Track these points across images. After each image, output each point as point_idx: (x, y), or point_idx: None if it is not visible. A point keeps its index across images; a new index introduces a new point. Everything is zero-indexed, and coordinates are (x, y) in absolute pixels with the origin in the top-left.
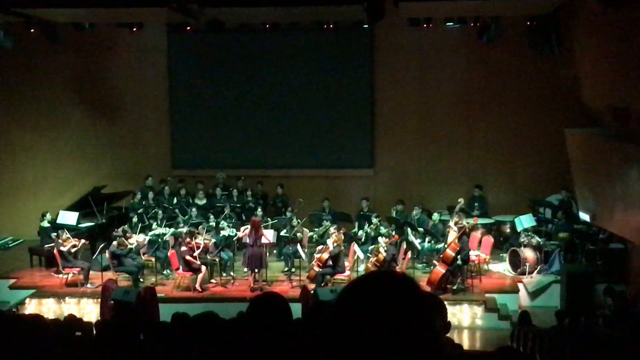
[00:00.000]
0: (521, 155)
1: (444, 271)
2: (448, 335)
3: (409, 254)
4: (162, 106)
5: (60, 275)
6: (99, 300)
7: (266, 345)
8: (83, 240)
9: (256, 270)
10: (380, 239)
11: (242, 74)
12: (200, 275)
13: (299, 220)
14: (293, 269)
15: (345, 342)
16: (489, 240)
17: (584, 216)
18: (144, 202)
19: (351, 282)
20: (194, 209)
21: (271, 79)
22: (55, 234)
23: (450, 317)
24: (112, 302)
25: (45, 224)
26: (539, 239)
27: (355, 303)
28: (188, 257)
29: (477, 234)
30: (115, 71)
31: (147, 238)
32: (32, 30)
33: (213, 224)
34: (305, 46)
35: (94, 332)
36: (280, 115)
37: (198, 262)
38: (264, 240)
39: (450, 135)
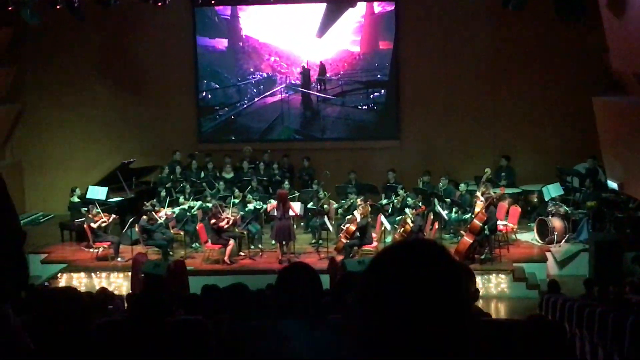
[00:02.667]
0: (548, 124)
1: (471, 241)
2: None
3: (436, 225)
4: (188, 81)
5: (91, 250)
6: (130, 273)
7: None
8: (113, 215)
9: (284, 243)
10: (407, 210)
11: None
12: (228, 248)
13: (325, 193)
14: (320, 241)
15: (377, 312)
16: (517, 209)
17: (612, 184)
18: (171, 177)
19: (381, 251)
20: (221, 183)
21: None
22: (86, 209)
23: (478, 286)
24: (142, 275)
25: (75, 199)
26: (567, 208)
27: (386, 272)
28: (220, 224)
29: (504, 204)
30: (141, 47)
31: (176, 212)
32: (57, 7)
33: (240, 197)
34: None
35: (126, 305)
36: (307, 87)
37: (227, 234)
38: (291, 212)
39: (477, 104)
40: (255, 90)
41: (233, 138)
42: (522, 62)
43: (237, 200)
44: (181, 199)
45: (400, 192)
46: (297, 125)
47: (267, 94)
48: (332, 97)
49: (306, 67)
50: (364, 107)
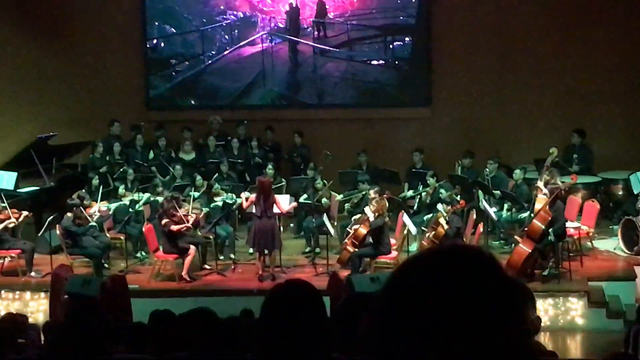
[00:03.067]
0: (639, 89)
1: (529, 250)
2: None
3: (481, 227)
4: (132, 24)
5: None
6: (48, 294)
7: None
8: (24, 212)
9: (266, 252)
10: (440, 206)
11: None
12: (188, 259)
13: (325, 181)
14: (318, 249)
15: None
16: (594, 206)
17: None
18: (107, 158)
19: (403, 263)
20: (177, 167)
21: None
22: None
23: (539, 313)
24: (66, 296)
25: None
26: None
27: (410, 293)
28: (173, 228)
29: (576, 198)
30: None
31: (113, 207)
32: None
33: (204, 187)
34: None
35: (43, 337)
36: (299, 33)
37: (186, 228)
38: (275, 209)
39: (539, 59)
40: (226, 37)
41: (193, 102)
42: (603, 4)
43: (199, 192)
44: (121, 190)
45: (431, 180)
46: (285, 88)
47: (243, 42)
48: (334, 48)
49: (295, 4)
50: (380, 63)
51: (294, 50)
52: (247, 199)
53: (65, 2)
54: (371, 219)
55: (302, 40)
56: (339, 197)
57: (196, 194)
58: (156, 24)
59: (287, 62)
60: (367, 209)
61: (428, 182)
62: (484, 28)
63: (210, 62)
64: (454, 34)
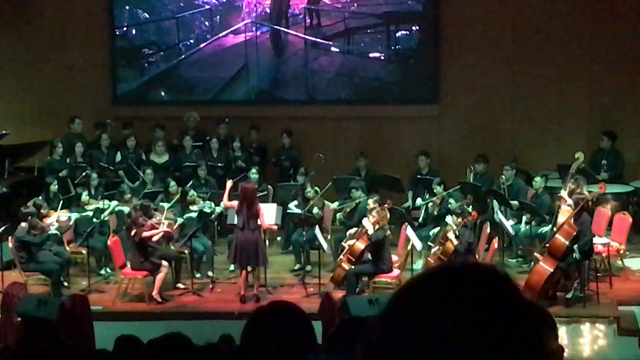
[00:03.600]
0: None
1: (551, 270)
2: None
3: (496, 242)
4: (98, 7)
5: None
6: None
7: None
8: None
9: (249, 269)
10: (448, 218)
11: None
12: (159, 277)
13: (317, 189)
14: (308, 267)
15: None
16: (625, 219)
17: None
18: (68, 160)
19: (406, 283)
20: (148, 170)
21: None
22: None
23: (562, 341)
24: (19, 319)
25: None
26: None
27: (415, 317)
28: (147, 233)
29: (605, 210)
30: None
31: (74, 217)
32: None
33: (178, 193)
34: None
35: None
36: (287, 20)
37: (158, 255)
38: (260, 220)
39: (562, 51)
40: (207, 23)
41: (163, 94)
42: None
43: (173, 200)
44: (84, 197)
45: (438, 189)
46: (271, 83)
47: (225, 32)
48: (327, 42)
49: None
50: (381, 56)
51: (280, 41)
52: (228, 205)
53: None
54: (370, 232)
55: (288, 31)
56: (334, 205)
57: (169, 203)
58: (127, 8)
59: (274, 54)
60: (365, 221)
61: (435, 190)
62: (498, 15)
63: (188, 52)
64: (465, 23)
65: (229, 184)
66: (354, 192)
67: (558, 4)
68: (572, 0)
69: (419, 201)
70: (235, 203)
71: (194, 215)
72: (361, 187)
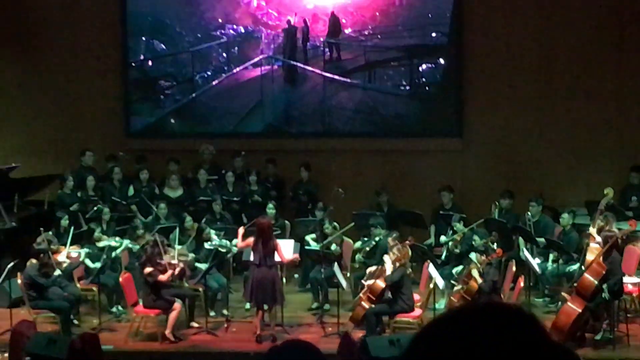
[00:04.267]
0: None
1: (580, 310)
2: None
3: (522, 281)
4: (112, 39)
5: None
6: (6, 355)
7: None
8: None
9: (265, 307)
10: (472, 255)
11: None
12: (173, 315)
13: (336, 224)
14: (327, 305)
15: None
16: None
17: None
18: (79, 194)
19: (429, 324)
20: (161, 205)
21: None
22: None
23: None
24: (27, 358)
25: None
26: None
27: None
28: (162, 278)
29: (636, 248)
30: None
31: (84, 253)
32: None
33: (194, 229)
34: None
35: None
36: (306, 53)
37: (171, 292)
38: (277, 257)
39: (589, 84)
40: (224, 54)
41: (173, 122)
42: None
43: (187, 236)
44: (97, 233)
45: (458, 226)
46: (287, 117)
47: (241, 67)
48: (345, 78)
49: (293, 21)
50: (403, 91)
51: (296, 75)
52: (242, 243)
53: (34, 11)
54: (390, 269)
55: (304, 66)
56: (356, 245)
57: (184, 238)
58: (143, 39)
59: (290, 88)
60: (386, 258)
61: (455, 228)
62: (524, 47)
63: (204, 84)
64: (490, 55)
65: (241, 230)
66: (373, 230)
67: (586, 38)
68: (601, 35)
69: (443, 238)
70: (250, 241)
71: (209, 249)
72: (380, 224)
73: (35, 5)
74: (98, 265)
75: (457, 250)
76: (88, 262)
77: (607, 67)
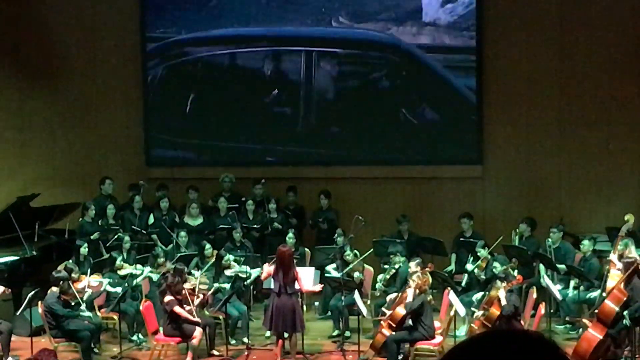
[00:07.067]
0: None
1: (601, 337)
2: None
3: (542, 308)
4: (132, 69)
5: None
6: None
7: None
8: (1, 288)
9: (286, 335)
10: (498, 282)
11: (253, 16)
12: (193, 343)
13: (356, 252)
14: (347, 333)
15: None
16: None
17: None
18: (100, 222)
19: (450, 351)
20: (182, 233)
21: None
22: None
23: None
24: None
25: None
26: None
27: None
28: (177, 310)
29: None
30: (60, 17)
31: (106, 281)
32: None
33: (213, 257)
34: None
35: None
36: (326, 76)
37: (192, 319)
38: (297, 285)
39: (614, 109)
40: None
41: (201, 158)
42: None
43: (208, 264)
44: (119, 262)
45: (482, 252)
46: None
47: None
48: None
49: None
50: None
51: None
52: (265, 272)
53: (57, 48)
54: (410, 297)
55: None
56: (379, 286)
57: (203, 266)
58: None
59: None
60: (408, 286)
61: (478, 253)
62: (544, 72)
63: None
64: (509, 88)
65: (266, 266)
66: (393, 258)
67: (606, 61)
68: (625, 60)
69: (469, 266)
70: (271, 270)
71: (229, 278)
72: (399, 252)
73: (58, 41)
74: (119, 290)
75: (482, 276)
76: (110, 288)
77: (630, 95)
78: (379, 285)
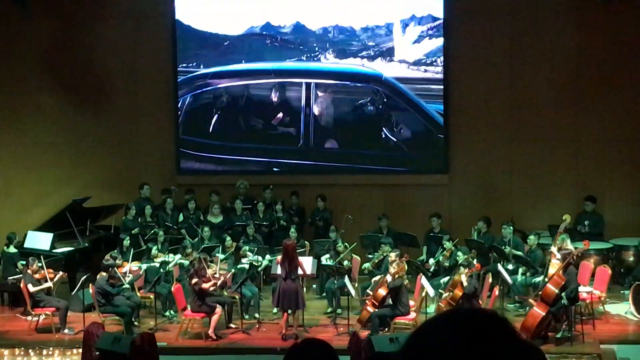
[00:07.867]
0: None
1: (543, 313)
2: None
3: (497, 290)
4: (166, 92)
5: (29, 318)
6: (80, 350)
7: None
8: (60, 272)
9: (290, 311)
10: (461, 269)
11: (259, 54)
12: (214, 318)
13: (346, 244)
14: (339, 310)
15: None
16: (606, 271)
17: None
18: (139, 220)
19: (421, 325)
20: (205, 229)
21: (310, 47)
22: (24, 262)
23: None
24: (97, 353)
25: (12, 249)
26: None
27: (428, 354)
28: (204, 287)
29: (589, 263)
30: (103, 45)
31: (144, 267)
32: None
33: (232, 248)
34: None
35: None
36: (322, 102)
37: (213, 299)
38: (299, 271)
39: (553, 128)
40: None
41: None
42: (617, 71)
43: (227, 253)
44: (154, 251)
45: (447, 244)
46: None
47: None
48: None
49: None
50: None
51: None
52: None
53: (101, 69)
54: (390, 280)
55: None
56: (366, 265)
57: (223, 256)
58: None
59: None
60: (388, 271)
61: (444, 245)
62: (499, 101)
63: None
64: (470, 106)
65: (277, 261)
66: (383, 247)
67: (549, 90)
68: (559, 92)
69: (431, 260)
70: (278, 259)
71: (244, 266)
72: (389, 243)
73: (106, 70)
74: (155, 275)
75: (447, 264)
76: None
77: (565, 118)
78: (367, 265)
